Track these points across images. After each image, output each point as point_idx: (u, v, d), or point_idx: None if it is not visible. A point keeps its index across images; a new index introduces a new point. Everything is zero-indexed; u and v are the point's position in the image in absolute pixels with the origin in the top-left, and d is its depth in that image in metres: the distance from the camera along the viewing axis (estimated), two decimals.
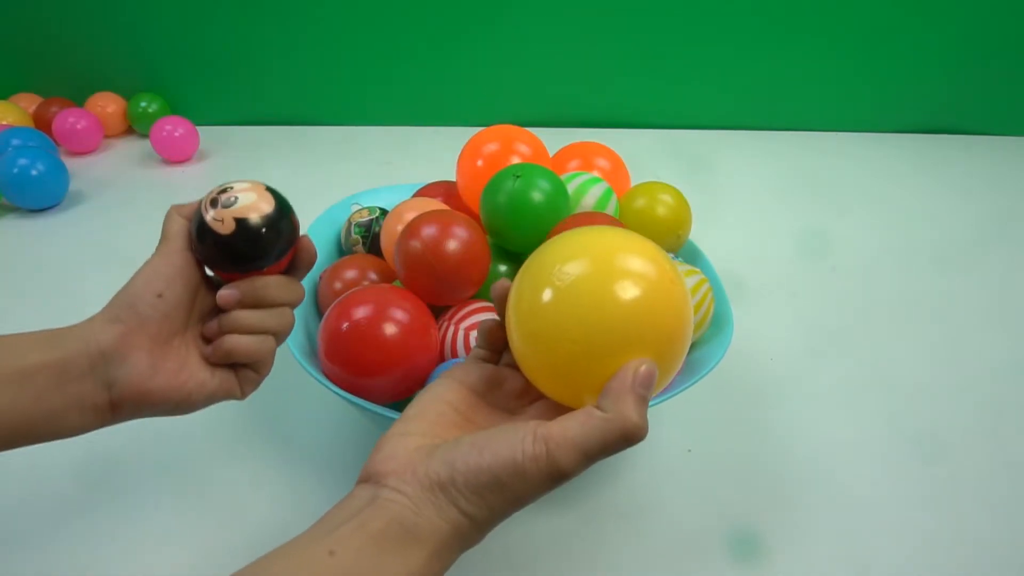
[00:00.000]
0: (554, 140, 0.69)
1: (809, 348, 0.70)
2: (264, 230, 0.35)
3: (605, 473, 0.55)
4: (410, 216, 0.56)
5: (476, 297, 0.54)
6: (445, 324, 0.52)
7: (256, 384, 0.40)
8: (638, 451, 0.57)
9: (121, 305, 0.34)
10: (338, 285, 0.57)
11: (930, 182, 1.13)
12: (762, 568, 0.48)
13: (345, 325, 0.47)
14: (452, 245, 0.50)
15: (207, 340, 0.37)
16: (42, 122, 1.14)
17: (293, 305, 0.39)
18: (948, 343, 0.73)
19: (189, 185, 1.05)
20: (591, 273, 0.30)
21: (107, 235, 0.88)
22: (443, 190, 0.66)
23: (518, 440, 0.28)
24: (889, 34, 1.25)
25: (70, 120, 1.11)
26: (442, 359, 0.51)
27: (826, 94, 1.31)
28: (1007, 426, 0.61)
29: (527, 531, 0.50)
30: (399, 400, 0.49)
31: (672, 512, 0.52)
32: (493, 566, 0.47)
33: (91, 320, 0.34)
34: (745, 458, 0.57)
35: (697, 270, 0.55)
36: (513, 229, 0.54)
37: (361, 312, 0.47)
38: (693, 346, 0.54)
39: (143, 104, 1.19)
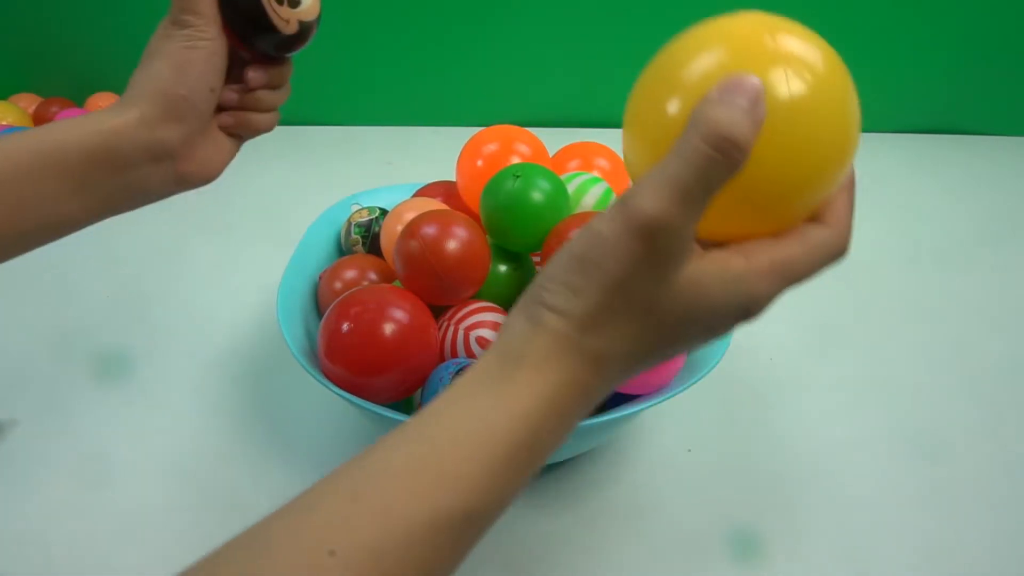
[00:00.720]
0: (554, 140, 0.69)
1: (809, 348, 0.71)
2: (313, 31, 0.38)
3: (605, 473, 0.55)
4: (410, 216, 0.56)
5: (476, 297, 0.54)
6: (445, 324, 0.52)
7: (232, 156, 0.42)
8: (638, 451, 0.57)
9: (177, 100, 0.35)
10: (338, 285, 0.57)
11: (930, 182, 1.13)
12: (762, 568, 0.48)
13: (345, 325, 0.47)
14: (452, 245, 0.50)
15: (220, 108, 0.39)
16: (42, 122, 1.14)
17: (287, 88, 0.42)
18: (948, 343, 0.73)
19: None
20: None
21: (106, 235, 0.88)
22: (443, 190, 0.66)
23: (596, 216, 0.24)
24: (889, 34, 1.25)
25: None
26: (442, 359, 0.51)
27: None
28: (1007, 426, 0.61)
29: (527, 531, 0.50)
30: (399, 400, 0.49)
31: (672, 512, 0.52)
32: (493, 566, 0.47)
33: (144, 114, 0.35)
34: (745, 458, 0.57)
35: None
36: (513, 229, 0.54)
37: (361, 312, 0.47)
38: None
39: None
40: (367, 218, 0.64)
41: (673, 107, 0.24)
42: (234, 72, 0.39)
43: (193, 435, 0.57)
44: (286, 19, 0.35)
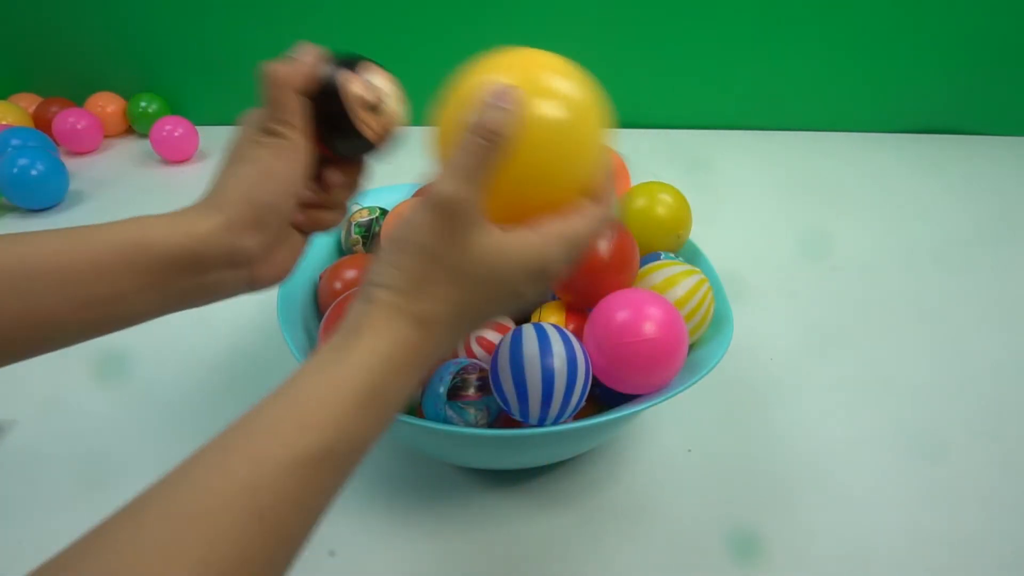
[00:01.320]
0: None
1: (809, 348, 0.71)
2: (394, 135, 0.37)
3: (605, 473, 0.55)
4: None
5: None
6: None
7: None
8: (638, 451, 0.57)
9: (262, 208, 0.34)
10: (338, 285, 0.57)
11: (930, 182, 1.13)
12: (762, 568, 0.48)
13: None
14: None
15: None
16: (42, 122, 1.14)
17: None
18: (948, 343, 0.73)
19: (189, 185, 1.05)
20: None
21: None
22: None
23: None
24: (889, 34, 1.25)
25: (70, 120, 1.11)
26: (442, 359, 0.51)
27: (826, 94, 1.31)
28: (1007, 426, 0.61)
29: (527, 531, 0.50)
30: None
31: (672, 512, 0.52)
32: (493, 566, 0.47)
33: (229, 219, 0.33)
34: (745, 458, 0.57)
35: (697, 270, 0.55)
36: None
37: None
38: (693, 346, 0.54)
39: (143, 104, 1.19)
40: (367, 218, 0.64)
41: (460, 114, 0.31)
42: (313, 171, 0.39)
43: (193, 435, 0.57)
44: (372, 127, 0.35)
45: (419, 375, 0.30)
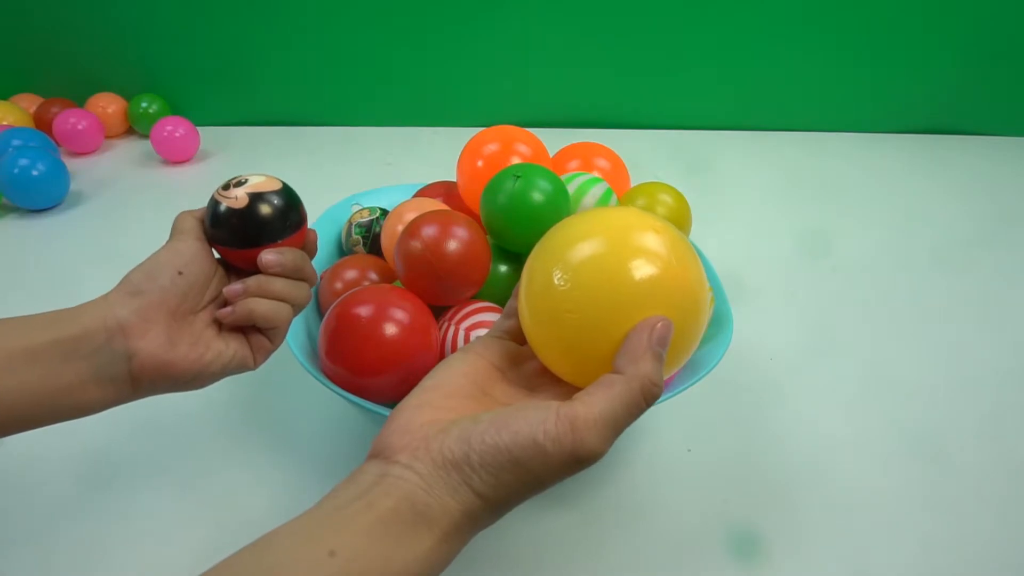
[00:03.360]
0: (554, 140, 0.69)
1: (809, 348, 0.71)
2: (276, 202, 0.39)
3: (605, 473, 0.55)
4: (410, 216, 0.56)
5: (476, 297, 0.54)
6: (445, 324, 0.52)
7: (268, 354, 0.41)
8: (638, 451, 0.57)
9: (141, 279, 0.36)
10: (339, 285, 0.57)
11: (930, 182, 1.13)
12: (762, 568, 0.48)
13: (346, 326, 0.47)
14: (452, 245, 0.50)
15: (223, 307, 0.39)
16: (43, 122, 1.14)
17: (310, 283, 0.41)
18: (948, 343, 0.73)
19: (189, 185, 1.06)
20: (602, 251, 0.30)
21: (108, 236, 0.88)
22: (443, 190, 0.66)
23: (539, 420, 0.27)
24: (889, 35, 1.25)
25: (71, 120, 1.11)
26: (442, 359, 0.51)
27: (826, 94, 1.31)
28: (1007, 426, 0.61)
29: (527, 531, 0.50)
30: (399, 400, 0.49)
31: (672, 512, 0.52)
32: (493, 566, 0.47)
33: (107, 296, 0.35)
34: (745, 458, 0.57)
35: None
36: (513, 229, 0.54)
37: (361, 312, 0.47)
38: None
39: (144, 105, 1.19)
40: (368, 218, 0.64)
41: (556, 276, 0.31)
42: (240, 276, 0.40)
43: (193, 435, 0.57)
44: (234, 196, 0.38)
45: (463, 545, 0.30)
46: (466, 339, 0.50)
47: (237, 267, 0.40)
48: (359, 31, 1.22)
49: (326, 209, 0.68)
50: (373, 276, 0.58)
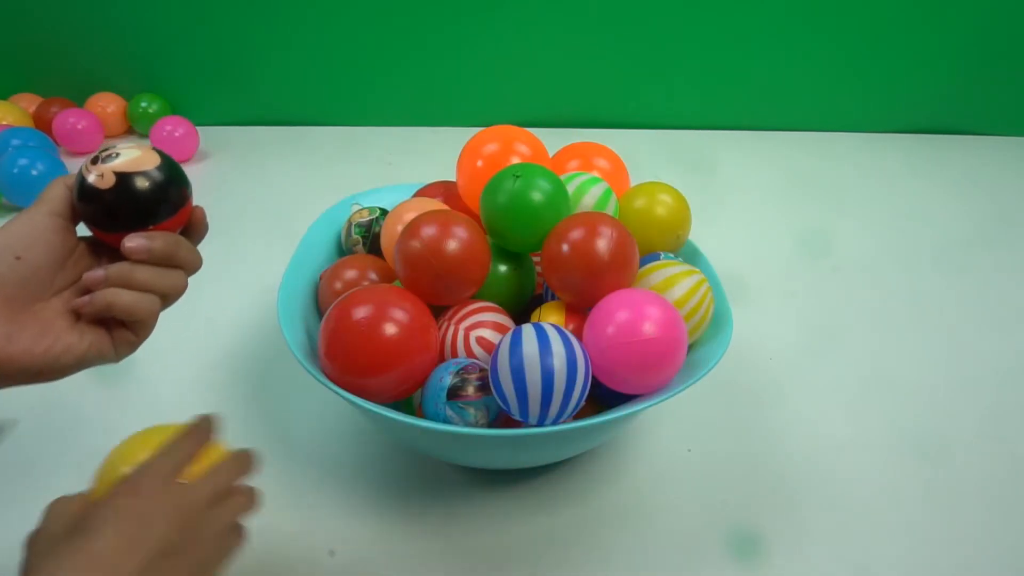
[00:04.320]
0: (554, 140, 0.69)
1: (809, 348, 0.71)
2: (149, 183, 0.34)
3: (605, 473, 0.55)
4: (410, 216, 0.56)
5: (476, 297, 0.54)
6: (445, 324, 0.52)
7: (133, 347, 0.37)
8: (638, 451, 0.57)
9: None
10: (338, 285, 0.57)
11: (930, 182, 1.13)
12: (762, 568, 0.48)
13: (345, 326, 0.47)
14: (452, 245, 0.50)
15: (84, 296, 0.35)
16: (42, 122, 1.14)
17: (188, 270, 0.37)
18: (947, 343, 0.73)
19: None
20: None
21: None
22: (443, 190, 0.66)
23: None
24: (889, 34, 1.25)
25: (70, 120, 1.11)
26: (442, 359, 0.51)
27: (826, 94, 1.31)
28: (1007, 426, 0.61)
29: (527, 531, 0.50)
30: (399, 400, 0.49)
31: (672, 512, 0.52)
32: (493, 565, 0.47)
33: None
34: (745, 458, 0.57)
35: (697, 270, 0.55)
36: (513, 229, 0.54)
37: (361, 312, 0.47)
38: (693, 346, 0.54)
39: (143, 104, 1.19)
40: (367, 218, 0.64)
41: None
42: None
43: None
44: (100, 174, 0.33)
45: None
46: (466, 339, 0.50)
47: (109, 246, 0.36)
48: (359, 31, 1.22)
49: (326, 209, 0.68)
50: (373, 276, 0.58)
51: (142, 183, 0.34)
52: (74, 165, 1.05)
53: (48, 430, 0.58)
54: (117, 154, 0.34)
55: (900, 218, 1.00)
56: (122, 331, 0.36)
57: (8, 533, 0.49)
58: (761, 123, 1.34)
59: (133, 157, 0.34)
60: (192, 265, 0.37)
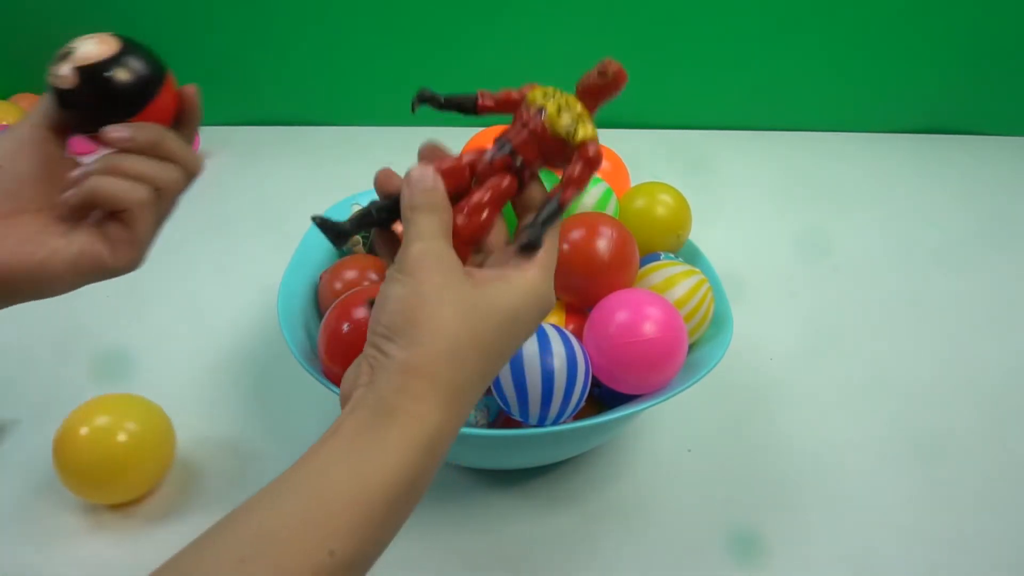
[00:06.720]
0: None
1: (809, 348, 0.70)
2: (116, 73, 0.32)
3: (605, 473, 0.55)
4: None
5: None
6: None
7: (132, 247, 0.34)
8: (638, 451, 0.57)
9: None
10: (338, 285, 0.57)
11: (930, 182, 1.13)
12: (762, 568, 0.48)
13: (346, 326, 0.47)
14: None
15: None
16: None
17: (183, 165, 0.35)
18: (948, 343, 0.73)
19: None
20: None
21: None
22: None
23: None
24: (888, 34, 1.25)
25: None
26: None
27: (826, 94, 1.31)
28: (1007, 426, 0.61)
29: (528, 530, 0.50)
30: None
31: (672, 512, 0.52)
32: (493, 565, 0.47)
33: None
34: (745, 458, 0.57)
35: (697, 270, 0.55)
36: (513, 229, 0.54)
37: (361, 312, 0.47)
38: (693, 346, 0.54)
39: None
40: None
41: None
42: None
43: (193, 435, 0.57)
44: (60, 74, 0.31)
45: (446, 455, 0.27)
46: None
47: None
48: (359, 31, 1.22)
49: (326, 209, 0.68)
50: (373, 276, 0.58)
51: (106, 72, 0.32)
52: None
53: (49, 430, 0.58)
54: (74, 49, 0.32)
55: (900, 218, 1.00)
56: (115, 227, 0.33)
57: (8, 533, 0.49)
58: (761, 123, 1.34)
59: (89, 50, 0.32)
60: (186, 160, 0.35)
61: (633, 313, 0.47)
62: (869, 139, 1.31)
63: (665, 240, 0.61)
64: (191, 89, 0.36)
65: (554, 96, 0.32)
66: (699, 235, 0.64)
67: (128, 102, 0.33)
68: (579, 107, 0.31)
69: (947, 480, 0.55)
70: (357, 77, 1.27)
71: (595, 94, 0.32)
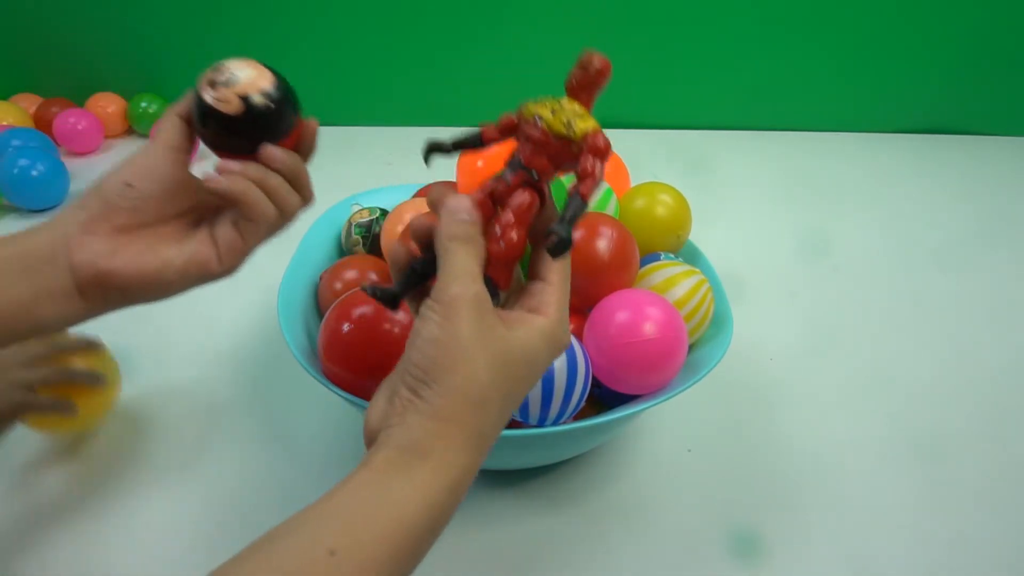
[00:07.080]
0: None
1: (809, 348, 0.71)
2: (272, 103, 0.34)
3: (605, 473, 0.55)
4: (410, 216, 0.56)
5: None
6: None
7: (238, 255, 0.36)
8: (638, 451, 0.57)
9: (89, 193, 0.34)
10: (338, 285, 0.57)
11: (930, 182, 1.13)
12: (762, 568, 0.48)
13: (346, 326, 0.47)
14: None
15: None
16: (42, 122, 1.14)
17: (303, 196, 0.38)
18: (948, 343, 0.73)
19: None
20: None
21: None
22: None
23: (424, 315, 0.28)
24: (888, 34, 1.25)
25: (70, 120, 1.11)
26: None
27: (826, 94, 1.31)
28: (1007, 426, 0.61)
29: (527, 531, 0.50)
30: None
31: (672, 512, 0.52)
32: (493, 566, 0.47)
33: (63, 210, 0.35)
34: (745, 458, 0.57)
35: (697, 270, 0.55)
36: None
37: (361, 312, 0.47)
38: (693, 346, 0.54)
39: (143, 104, 1.19)
40: (368, 218, 0.64)
41: None
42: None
43: (193, 435, 0.57)
44: (224, 99, 0.33)
45: (465, 496, 0.29)
46: None
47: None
48: (359, 31, 1.22)
49: (326, 210, 0.68)
50: (373, 276, 0.58)
51: (263, 103, 0.34)
52: (74, 165, 1.05)
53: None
54: (233, 75, 0.34)
55: (900, 218, 1.00)
56: (231, 235, 0.35)
57: (9, 532, 0.49)
58: (761, 123, 1.34)
59: (249, 77, 0.34)
60: (307, 191, 0.39)
61: (633, 313, 0.47)
62: (869, 139, 1.31)
63: (665, 240, 0.61)
64: (314, 123, 0.38)
65: (547, 102, 0.32)
66: (699, 235, 0.64)
67: (275, 131, 0.35)
68: (574, 105, 0.32)
69: (947, 480, 0.55)
70: (357, 77, 1.27)
71: (584, 88, 0.32)
